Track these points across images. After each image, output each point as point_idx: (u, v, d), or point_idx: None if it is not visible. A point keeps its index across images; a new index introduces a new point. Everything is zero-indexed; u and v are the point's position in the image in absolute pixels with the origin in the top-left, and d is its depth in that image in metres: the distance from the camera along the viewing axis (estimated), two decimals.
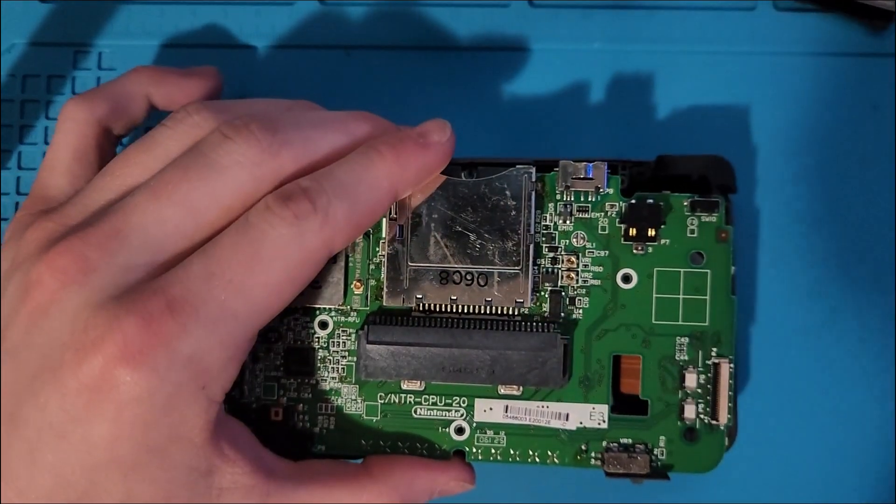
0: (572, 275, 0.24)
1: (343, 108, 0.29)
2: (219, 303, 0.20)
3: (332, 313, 0.24)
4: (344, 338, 0.24)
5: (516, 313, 0.24)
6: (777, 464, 0.28)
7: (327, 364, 0.24)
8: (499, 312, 0.24)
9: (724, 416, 0.23)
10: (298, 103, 0.25)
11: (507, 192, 0.23)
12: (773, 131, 0.29)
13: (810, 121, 0.29)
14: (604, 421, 0.24)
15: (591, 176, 0.24)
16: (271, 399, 0.24)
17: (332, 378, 0.24)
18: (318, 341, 0.24)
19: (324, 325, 0.24)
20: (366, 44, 0.30)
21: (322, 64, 0.30)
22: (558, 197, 0.24)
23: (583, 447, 0.24)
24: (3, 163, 0.30)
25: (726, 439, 0.24)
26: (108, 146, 0.25)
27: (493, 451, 0.24)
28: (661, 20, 0.29)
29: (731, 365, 0.24)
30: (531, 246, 0.23)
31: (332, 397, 0.24)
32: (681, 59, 0.29)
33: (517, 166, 0.24)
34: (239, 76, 0.30)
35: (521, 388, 0.24)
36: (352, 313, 0.24)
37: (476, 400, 0.24)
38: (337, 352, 0.24)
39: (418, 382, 0.24)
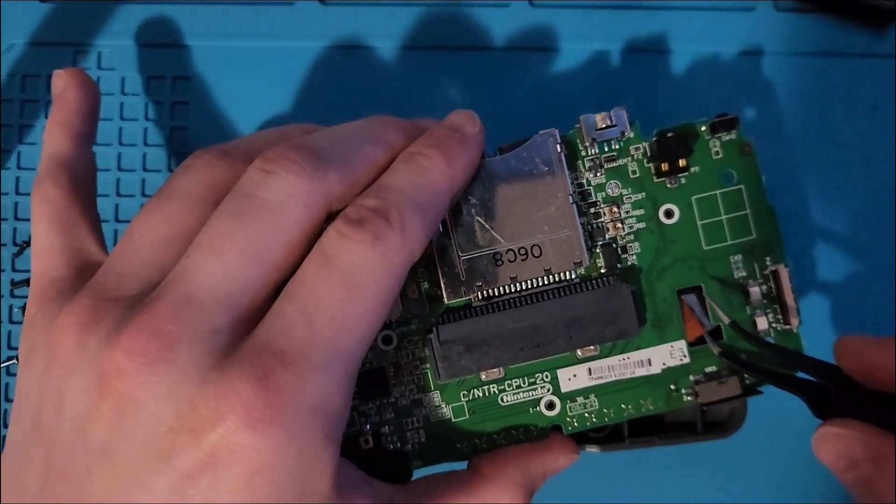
0: (618, 224, 0.24)
1: (344, 108, 0.29)
2: (328, 343, 0.19)
3: (394, 326, 0.24)
4: (412, 347, 0.24)
5: (575, 276, 0.24)
6: None
7: (402, 377, 0.24)
8: (559, 280, 0.24)
9: (794, 319, 0.24)
10: (294, 127, 0.24)
11: (537, 160, 0.23)
12: (773, 132, 0.29)
13: (811, 121, 0.29)
14: (685, 356, 0.24)
15: (614, 123, 0.24)
16: (355, 430, 0.23)
17: (411, 391, 0.24)
18: (387, 358, 0.24)
19: (388, 340, 0.24)
20: (366, 44, 0.30)
21: (323, 64, 0.29)
22: (583, 153, 0.24)
23: (672, 387, 0.24)
24: (2, 163, 0.29)
25: (802, 340, 0.24)
26: (90, 206, 0.24)
27: (587, 416, 0.24)
28: (661, 20, 0.30)
29: (788, 268, 0.24)
30: (574, 206, 0.23)
31: (416, 409, 0.24)
32: (681, 59, 0.29)
33: (539, 132, 0.24)
34: (240, 77, 0.30)
35: (597, 348, 0.24)
36: (413, 321, 0.24)
37: (558, 371, 0.24)
38: (409, 363, 0.24)
39: (498, 370, 0.24)
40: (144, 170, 0.30)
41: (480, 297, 0.23)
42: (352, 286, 0.19)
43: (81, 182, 0.24)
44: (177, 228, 0.21)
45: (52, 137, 0.24)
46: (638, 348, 0.24)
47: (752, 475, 0.29)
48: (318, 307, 0.19)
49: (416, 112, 0.29)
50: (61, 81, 0.25)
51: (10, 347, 0.28)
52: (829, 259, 0.29)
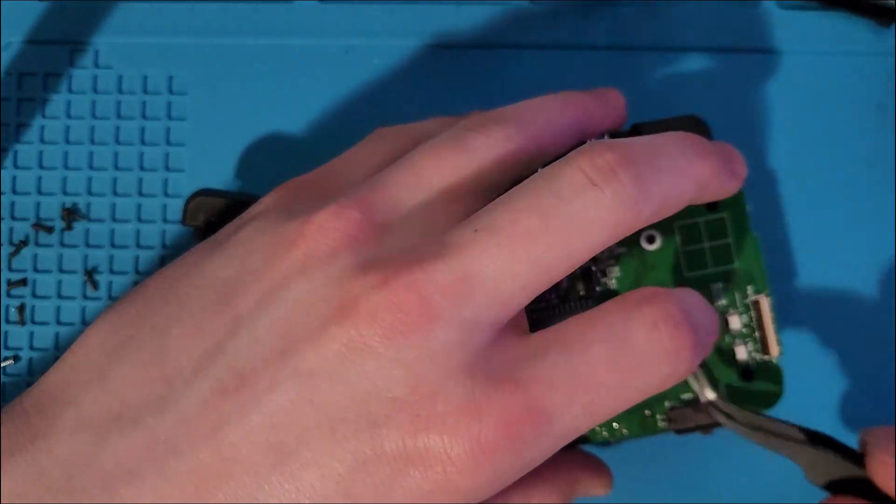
0: None
1: (344, 107, 0.29)
2: (572, 420, 0.18)
3: None
4: None
5: (554, 298, 0.24)
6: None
7: None
8: (537, 302, 0.24)
9: (774, 350, 0.24)
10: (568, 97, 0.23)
11: None
12: (776, 130, 0.29)
13: (814, 120, 0.29)
14: None
15: None
16: None
17: None
18: None
19: None
20: (365, 42, 0.30)
21: (322, 62, 0.30)
22: None
23: (647, 413, 0.24)
24: (0, 162, 0.29)
25: (782, 370, 0.24)
26: None
27: None
28: (662, 19, 0.29)
29: (770, 298, 0.24)
30: None
31: None
32: (683, 58, 0.29)
33: None
34: (238, 74, 0.30)
35: None
36: None
37: None
38: None
39: None
40: (141, 169, 0.30)
41: None
42: (630, 383, 0.19)
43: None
44: (455, 179, 0.20)
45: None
46: None
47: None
48: (588, 380, 0.18)
49: (416, 111, 0.28)
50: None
51: (6, 347, 0.29)
52: (825, 265, 0.29)
